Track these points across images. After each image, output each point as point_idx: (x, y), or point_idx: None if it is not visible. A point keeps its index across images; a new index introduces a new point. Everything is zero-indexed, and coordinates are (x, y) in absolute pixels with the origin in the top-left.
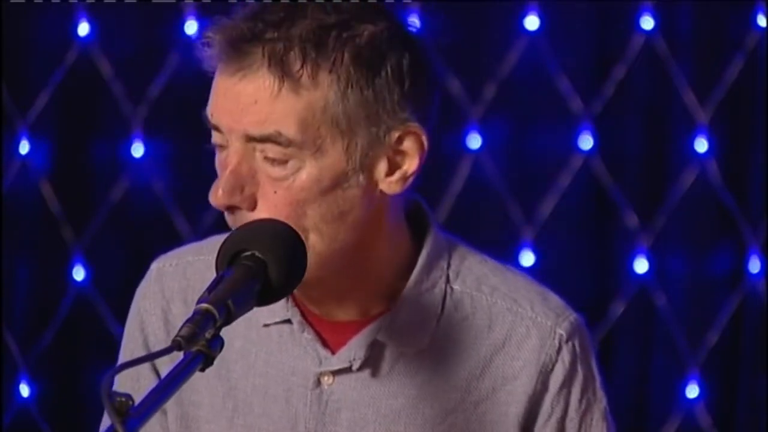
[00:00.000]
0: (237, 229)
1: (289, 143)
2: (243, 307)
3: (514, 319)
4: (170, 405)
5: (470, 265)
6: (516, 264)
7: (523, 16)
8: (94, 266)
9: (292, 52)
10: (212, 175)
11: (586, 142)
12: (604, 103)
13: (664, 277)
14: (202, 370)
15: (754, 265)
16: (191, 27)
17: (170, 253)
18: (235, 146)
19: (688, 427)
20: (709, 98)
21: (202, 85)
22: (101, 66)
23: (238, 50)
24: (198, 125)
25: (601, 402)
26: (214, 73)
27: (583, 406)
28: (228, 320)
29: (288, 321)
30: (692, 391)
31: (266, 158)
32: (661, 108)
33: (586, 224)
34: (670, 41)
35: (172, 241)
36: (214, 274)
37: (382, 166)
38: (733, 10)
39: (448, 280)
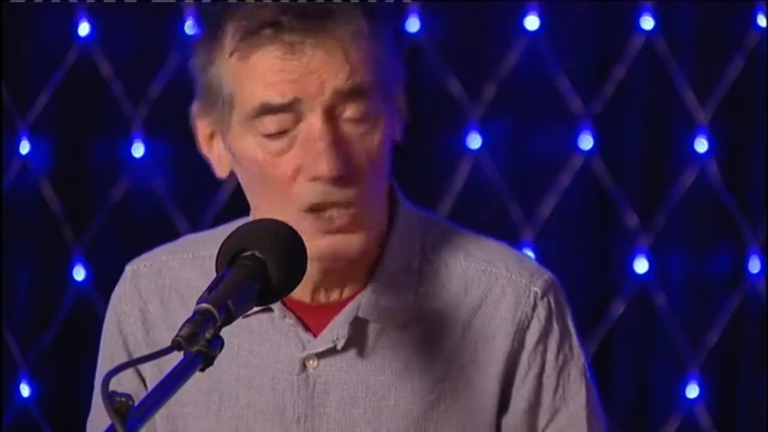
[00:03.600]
0: (237, 229)
1: (370, 89)
2: (243, 307)
3: (489, 279)
4: None
5: (445, 235)
6: None
7: (523, 16)
8: (94, 266)
9: (355, 15)
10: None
11: (586, 142)
12: (604, 103)
13: (664, 277)
14: (202, 370)
15: (754, 265)
16: (191, 27)
17: (144, 255)
18: (320, 116)
19: (688, 427)
20: (709, 98)
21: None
22: (101, 66)
23: (308, 26)
24: None
25: (578, 359)
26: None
27: (560, 362)
28: (228, 320)
29: (268, 309)
30: (692, 391)
31: (351, 120)
32: (661, 108)
33: (586, 224)
34: (670, 41)
35: (172, 241)
36: (190, 272)
37: (397, 122)
38: (733, 10)
39: (423, 252)
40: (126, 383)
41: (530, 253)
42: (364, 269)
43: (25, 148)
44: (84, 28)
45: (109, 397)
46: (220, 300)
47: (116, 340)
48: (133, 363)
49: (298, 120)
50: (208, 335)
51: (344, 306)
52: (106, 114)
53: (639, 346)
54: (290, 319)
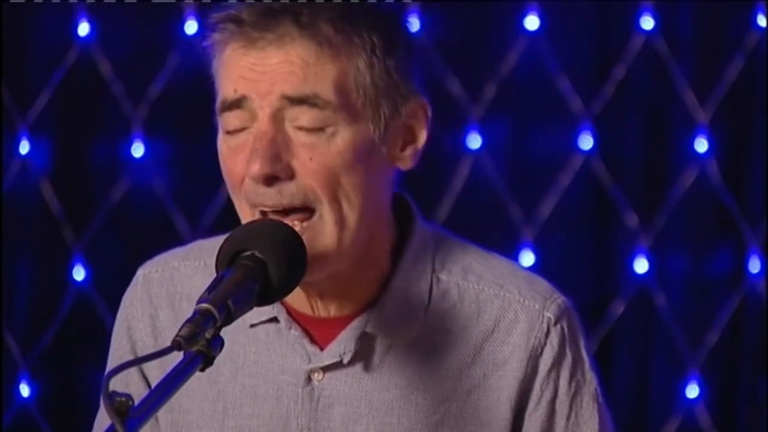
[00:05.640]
0: (237, 229)
1: (325, 105)
2: (243, 307)
3: (502, 304)
4: (162, 411)
5: (455, 254)
6: None
7: (523, 16)
8: (94, 266)
9: (320, 20)
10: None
11: (586, 142)
12: (604, 103)
13: (664, 277)
14: (202, 370)
15: (754, 265)
16: (191, 27)
17: (155, 259)
18: (267, 115)
19: (688, 427)
20: (709, 98)
21: (202, 85)
22: (101, 66)
23: (266, 24)
24: (198, 125)
25: (591, 384)
26: (209, 52)
27: (572, 389)
28: (228, 320)
29: (274, 319)
30: (692, 391)
31: (299, 128)
32: (661, 108)
33: (586, 224)
34: (670, 41)
35: (172, 241)
36: (201, 280)
37: (398, 141)
38: (733, 10)
39: (434, 270)
40: (133, 387)
41: (530, 254)
42: (372, 284)
43: (24, 148)
44: (84, 28)
45: (109, 397)
46: (220, 300)
47: (125, 344)
48: (133, 363)
49: (254, 119)
50: (208, 335)
51: (352, 321)
52: (106, 114)
53: (639, 346)
54: (296, 331)
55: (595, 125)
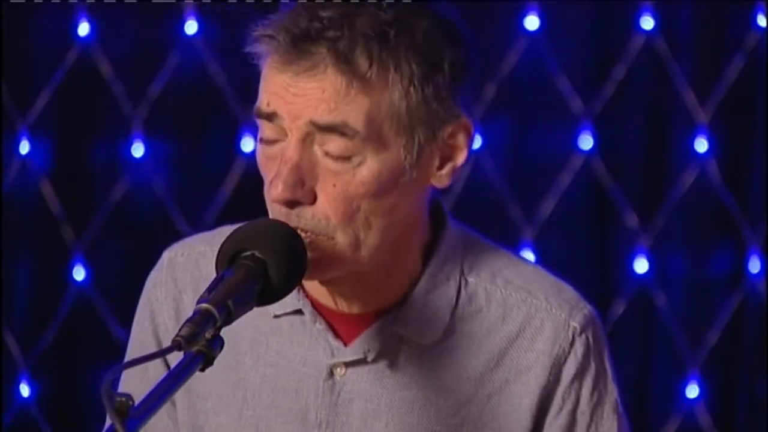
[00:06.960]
0: (237, 229)
1: (354, 134)
2: (243, 307)
3: (528, 310)
4: (179, 396)
5: (484, 257)
6: None
7: (523, 16)
8: (94, 266)
9: (357, 50)
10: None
11: (586, 142)
12: (604, 103)
13: (664, 277)
14: (202, 370)
15: (754, 265)
16: (191, 27)
17: (182, 243)
18: (295, 139)
19: (688, 427)
20: (709, 98)
21: (202, 85)
22: (101, 66)
23: (301, 50)
24: (198, 125)
25: (612, 395)
26: (250, 55)
27: (594, 399)
28: (228, 320)
29: (299, 312)
30: (692, 391)
31: (327, 154)
32: (661, 108)
33: (586, 224)
34: (670, 41)
35: (172, 241)
36: None
37: (434, 161)
38: (733, 10)
39: (462, 273)
40: (152, 370)
41: (530, 254)
42: (399, 285)
43: (25, 148)
44: (84, 28)
45: (110, 397)
46: (220, 300)
47: (147, 327)
48: (132, 363)
49: (285, 134)
50: (208, 335)
51: (376, 318)
52: (106, 114)
53: (639, 346)
54: (321, 325)
55: (595, 125)
